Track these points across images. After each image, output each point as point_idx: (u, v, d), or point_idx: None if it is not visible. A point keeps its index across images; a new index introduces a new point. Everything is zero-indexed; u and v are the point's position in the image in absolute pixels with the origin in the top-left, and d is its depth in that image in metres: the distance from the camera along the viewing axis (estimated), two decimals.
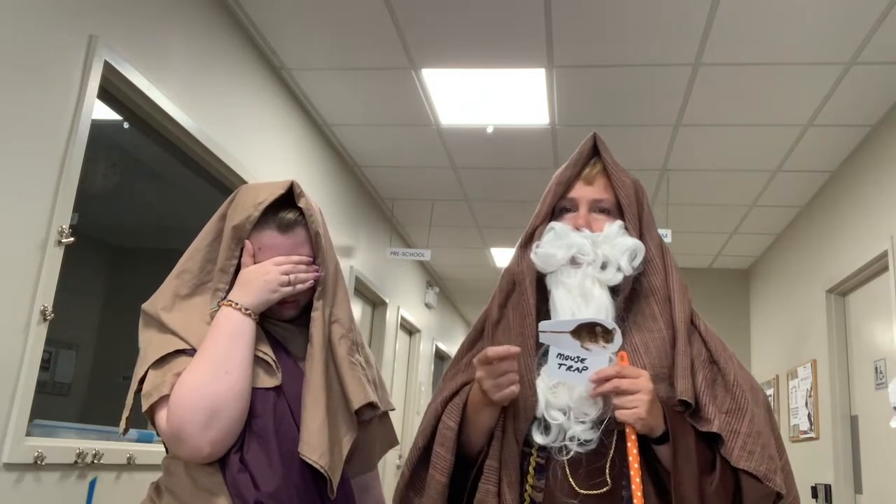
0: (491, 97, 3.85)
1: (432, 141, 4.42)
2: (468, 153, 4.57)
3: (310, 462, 1.24)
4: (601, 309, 1.26)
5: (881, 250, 3.72)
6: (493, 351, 1.18)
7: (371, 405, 1.35)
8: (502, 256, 6.86)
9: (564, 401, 1.23)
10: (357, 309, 5.47)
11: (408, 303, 6.73)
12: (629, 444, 1.18)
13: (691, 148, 4.25)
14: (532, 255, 1.33)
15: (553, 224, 1.36)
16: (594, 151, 1.43)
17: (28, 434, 2.11)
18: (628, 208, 1.37)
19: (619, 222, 1.35)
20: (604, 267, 1.29)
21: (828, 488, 4.38)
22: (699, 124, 3.98)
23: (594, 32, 3.22)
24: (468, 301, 9.11)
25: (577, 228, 1.33)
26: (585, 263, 1.29)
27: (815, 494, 4.54)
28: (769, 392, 5.77)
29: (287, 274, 1.32)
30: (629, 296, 1.33)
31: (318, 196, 4.34)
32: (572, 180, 1.40)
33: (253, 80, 3.50)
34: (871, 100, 3.61)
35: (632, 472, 1.17)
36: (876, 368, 3.94)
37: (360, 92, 3.90)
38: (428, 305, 7.55)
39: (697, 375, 1.27)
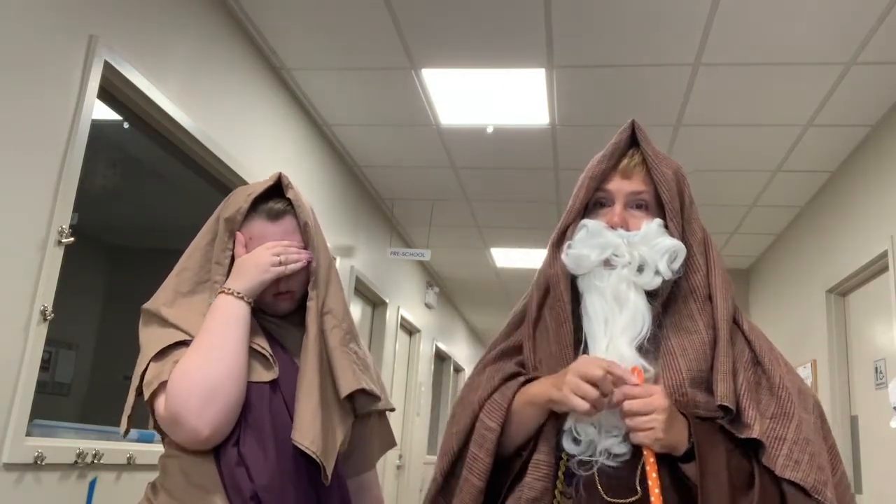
0: (491, 97, 3.85)
1: (432, 141, 4.42)
2: (468, 153, 4.57)
3: (302, 448, 1.24)
4: (636, 315, 1.18)
5: (881, 250, 3.71)
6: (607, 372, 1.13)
7: (364, 392, 1.36)
8: (502, 256, 6.86)
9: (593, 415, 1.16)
10: (357, 309, 5.47)
11: (408, 303, 6.73)
12: (647, 468, 1.11)
13: (691, 148, 4.25)
14: (563, 256, 1.24)
15: (586, 221, 1.26)
16: (632, 141, 1.31)
17: (28, 434, 2.11)
18: (670, 204, 1.25)
19: (658, 220, 1.24)
20: (640, 269, 1.19)
21: None
22: (699, 124, 3.98)
23: (594, 32, 3.22)
24: (468, 301, 9.11)
25: (612, 227, 1.23)
26: (620, 265, 1.19)
27: None
28: None
29: (277, 255, 1.34)
30: (667, 298, 1.24)
31: (318, 196, 4.34)
32: (608, 173, 1.28)
33: (253, 80, 3.50)
34: (871, 100, 3.61)
35: (652, 498, 1.09)
36: (876, 368, 3.94)
37: (360, 92, 3.90)
38: (428, 305, 7.55)
39: (738, 377, 1.18)
